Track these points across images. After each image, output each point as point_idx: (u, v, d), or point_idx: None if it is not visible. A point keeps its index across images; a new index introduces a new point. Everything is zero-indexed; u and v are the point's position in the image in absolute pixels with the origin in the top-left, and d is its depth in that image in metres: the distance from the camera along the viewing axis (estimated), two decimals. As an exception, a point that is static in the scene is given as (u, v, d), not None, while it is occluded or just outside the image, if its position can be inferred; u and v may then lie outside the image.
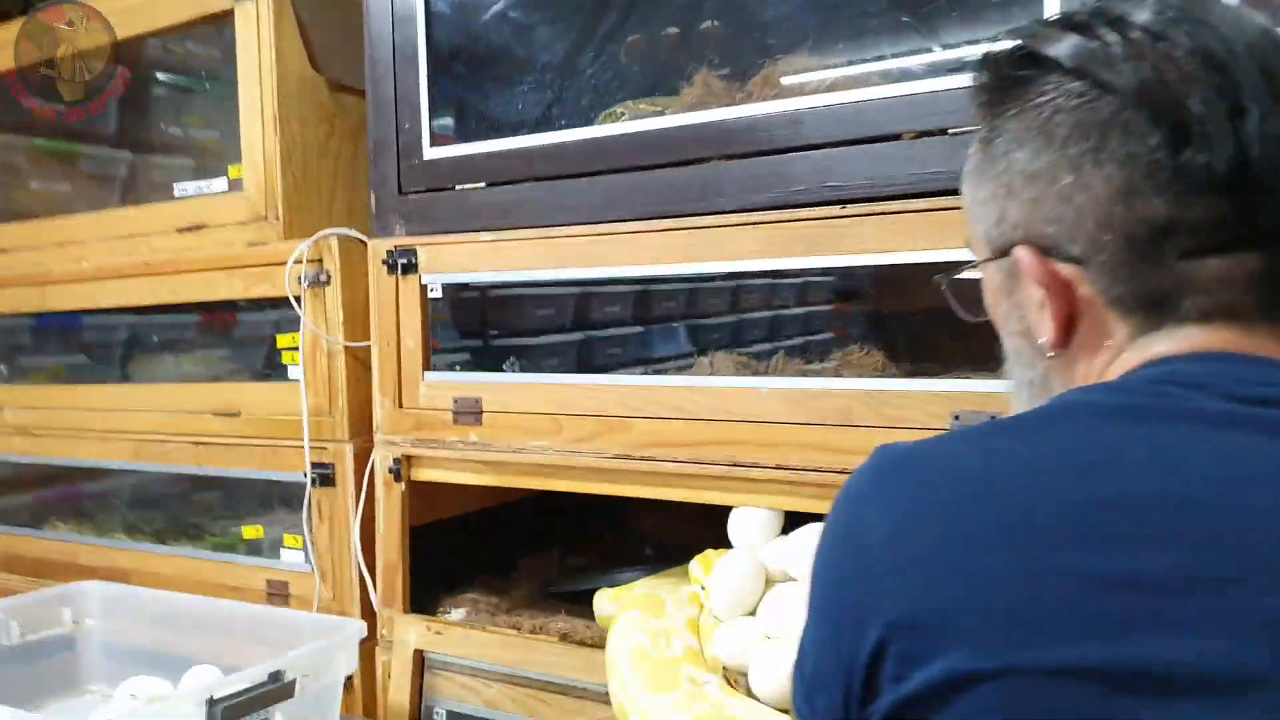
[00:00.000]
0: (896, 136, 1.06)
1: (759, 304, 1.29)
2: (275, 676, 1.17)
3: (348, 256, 1.46)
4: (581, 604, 1.40)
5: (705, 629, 1.15)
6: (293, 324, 1.52)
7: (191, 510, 1.79)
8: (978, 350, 1.19)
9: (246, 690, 1.14)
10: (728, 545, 1.21)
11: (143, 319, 1.81)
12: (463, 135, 1.41)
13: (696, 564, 1.21)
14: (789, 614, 1.08)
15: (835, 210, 1.09)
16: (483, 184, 1.34)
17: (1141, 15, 0.58)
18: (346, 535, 1.48)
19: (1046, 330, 0.63)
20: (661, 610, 1.15)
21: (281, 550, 1.56)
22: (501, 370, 1.35)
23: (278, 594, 1.55)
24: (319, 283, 1.46)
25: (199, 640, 1.41)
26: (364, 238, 1.45)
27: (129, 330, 1.87)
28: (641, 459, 1.22)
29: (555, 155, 1.27)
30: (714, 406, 1.17)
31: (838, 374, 1.13)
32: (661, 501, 1.24)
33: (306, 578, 1.52)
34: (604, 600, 1.28)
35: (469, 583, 1.52)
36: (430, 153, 1.37)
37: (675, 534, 1.58)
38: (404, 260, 1.39)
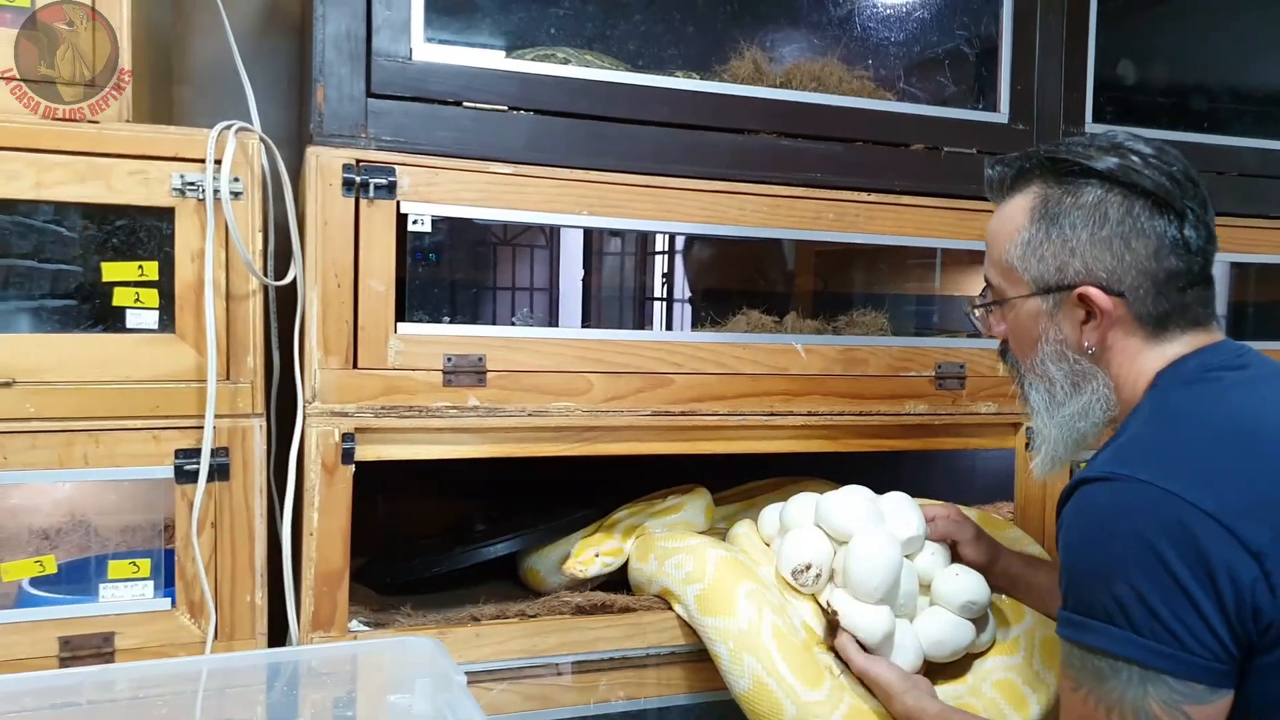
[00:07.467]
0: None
1: (780, 268, 1.37)
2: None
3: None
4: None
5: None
6: (136, 247, 1.03)
7: None
8: (948, 320, 1.52)
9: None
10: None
11: None
12: (466, 38, 1.16)
13: (750, 532, 1.25)
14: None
15: (861, 195, 1.30)
16: (503, 106, 1.14)
17: (1143, 146, 0.93)
18: (249, 545, 1.07)
19: (1090, 337, 0.94)
20: (755, 575, 1.16)
21: (102, 587, 1.02)
22: (512, 324, 1.17)
23: (87, 652, 1.02)
24: (231, 194, 1.03)
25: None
26: (264, 137, 1.07)
27: None
28: (681, 414, 1.23)
29: (601, 94, 1.17)
30: (755, 360, 1.26)
31: (851, 333, 1.33)
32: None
33: (154, 619, 1.04)
34: (650, 564, 1.21)
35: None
36: (424, 52, 1.10)
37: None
38: (377, 180, 1.09)
